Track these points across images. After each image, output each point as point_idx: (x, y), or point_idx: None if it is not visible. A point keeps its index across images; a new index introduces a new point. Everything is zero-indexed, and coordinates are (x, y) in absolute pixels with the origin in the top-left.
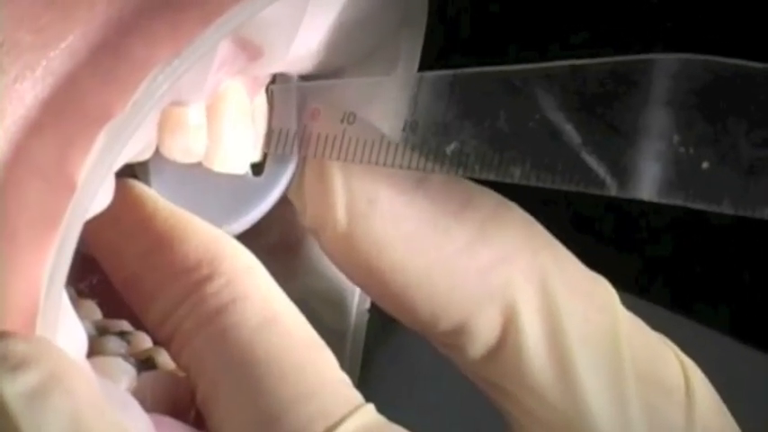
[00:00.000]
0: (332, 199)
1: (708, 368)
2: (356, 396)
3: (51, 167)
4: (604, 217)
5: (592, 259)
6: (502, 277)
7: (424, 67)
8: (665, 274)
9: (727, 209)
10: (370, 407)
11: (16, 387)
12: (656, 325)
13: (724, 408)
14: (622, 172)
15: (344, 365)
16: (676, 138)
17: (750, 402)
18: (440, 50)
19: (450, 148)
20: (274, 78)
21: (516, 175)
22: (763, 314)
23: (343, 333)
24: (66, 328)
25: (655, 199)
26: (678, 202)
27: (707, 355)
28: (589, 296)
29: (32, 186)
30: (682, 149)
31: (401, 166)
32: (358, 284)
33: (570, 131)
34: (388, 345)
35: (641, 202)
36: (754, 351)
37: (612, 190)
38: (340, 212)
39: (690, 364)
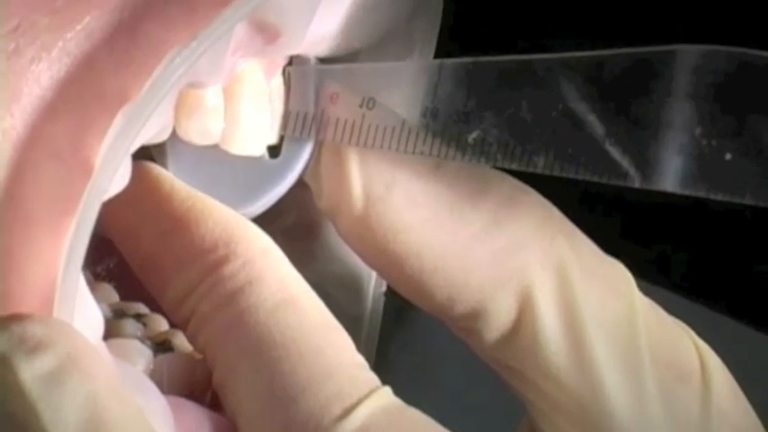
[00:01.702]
0: (348, 182)
1: (724, 355)
2: (373, 378)
3: (67, 149)
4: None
5: (608, 245)
6: (518, 262)
7: (439, 52)
8: (680, 261)
9: (749, 200)
10: (387, 389)
11: (34, 370)
12: (671, 311)
13: (740, 393)
14: (645, 164)
15: (360, 349)
16: (699, 130)
17: (766, 389)
18: (456, 35)
19: (473, 136)
20: (291, 60)
21: (539, 165)
22: None
23: (359, 316)
24: (82, 311)
25: (678, 191)
26: (701, 193)
27: (722, 342)
28: (605, 281)
29: (49, 168)
30: (704, 141)
31: (422, 153)
32: (374, 268)
33: (593, 122)
34: (403, 328)
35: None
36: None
37: (636, 182)
38: (356, 196)
39: (706, 349)
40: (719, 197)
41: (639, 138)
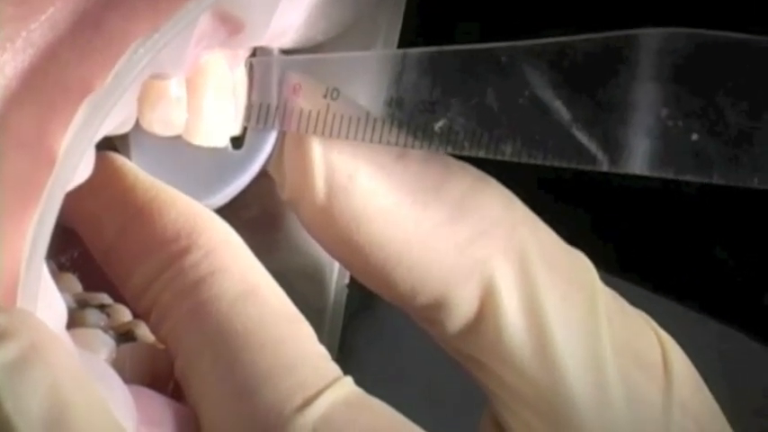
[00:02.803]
0: (311, 172)
1: (685, 346)
2: (334, 369)
3: (31, 139)
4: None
5: (570, 237)
6: (480, 252)
7: (403, 42)
8: (639, 253)
9: (717, 180)
10: (348, 379)
11: None
12: (632, 303)
13: (702, 383)
14: (613, 147)
15: (323, 340)
16: (665, 111)
17: (727, 380)
18: (419, 25)
19: (439, 125)
20: (254, 52)
21: (507, 153)
22: (739, 291)
23: (322, 308)
24: (46, 301)
25: (646, 173)
26: (669, 175)
27: (684, 333)
28: (568, 272)
29: (12, 158)
30: (670, 123)
31: (388, 143)
32: (337, 258)
33: (559, 108)
34: (366, 319)
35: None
36: (731, 330)
37: (604, 165)
38: (319, 186)
39: (668, 339)
40: (687, 178)
41: (606, 122)
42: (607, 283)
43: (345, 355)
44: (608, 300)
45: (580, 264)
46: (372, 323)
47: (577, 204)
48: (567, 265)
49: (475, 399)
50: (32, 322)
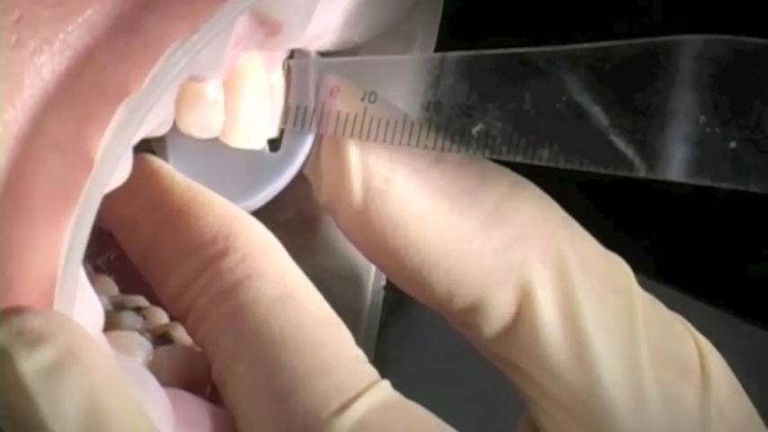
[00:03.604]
0: (348, 176)
1: (724, 351)
2: (372, 372)
3: (69, 142)
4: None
5: (608, 241)
6: (517, 256)
7: (440, 46)
8: (680, 258)
9: (754, 188)
10: (386, 383)
11: (33, 363)
12: (671, 307)
13: (740, 388)
14: (651, 153)
15: (360, 343)
16: (703, 118)
17: (762, 384)
18: (456, 29)
19: (476, 129)
20: (292, 54)
21: (544, 158)
22: None
23: (358, 310)
24: (82, 303)
25: (683, 180)
26: (705, 182)
27: (723, 338)
28: (605, 276)
29: (50, 161)
30: (708, 130)
31: (425, 147)
32: (373, 262)
33: (597, 113)
34: (403, 322)
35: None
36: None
37: (641, 171)
38: (356, 189)
39: (706, 343)
40: (724, 185)
41: (644, 128)
42: (644, 287)
43: (381, 358)
44: (645, 303)
45: (617, 267)
46: (408, 326)
47: (615, 209)
48: (604, 269)
49: (510, 401)
50: (69, 326)
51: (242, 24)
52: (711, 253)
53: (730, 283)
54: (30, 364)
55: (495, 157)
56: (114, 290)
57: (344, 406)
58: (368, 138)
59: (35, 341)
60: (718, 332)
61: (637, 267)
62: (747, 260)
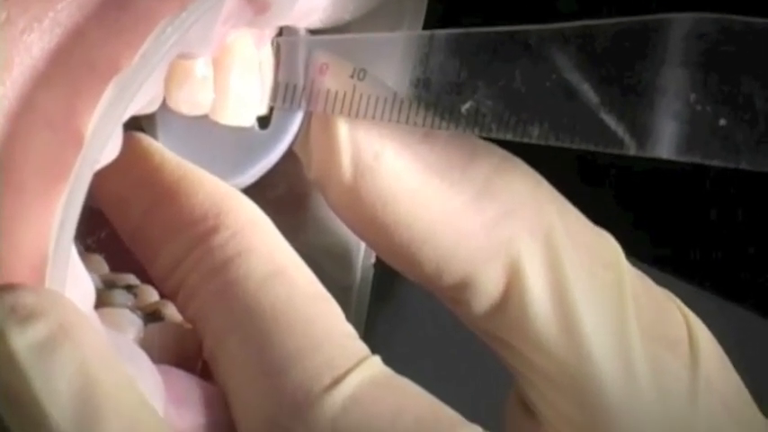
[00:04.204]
0: (337, 152)
1: (713, 332)
2: (362, 348)
3: (59, 119)
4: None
5: (596, 218)
6: (506, 232)
7: (429, 23)
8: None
9: (744, 165)
10: (377, 359)
11: (26, 339)
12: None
13: (727, 361)
14: (641, 131)
15: (350, 319)
16: (693, 96)
17: (753, 365)
18: (445, 6)
19: (466, 107)
20: (281, 31)
21: (534, 135)
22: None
23: (348, 287)
24: (74, 281)
25: (674, 157)
26: (696, 160)
27: (712, 319)
28: (594, 251)
29: (40, 138)
30: (699, 107)
31: (414, 124)
32: (363, 238)
33: (587, 91)
34: (392, 299)
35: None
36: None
37: (632, 149)
38: (345, 165)
39: (693, 317)
40: (715, 163)
41: (634, 105)
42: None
43: (371, 334)
44: (633, 278)
45: (606, 243)
46: (398, 302)
47: (603, 186)
48: (593, 245)
49: (500, 377)
50: (61, 302)
51: (231, 1)
52: (697, 232)
53: (723, 268)
54: (22, 340)
55: (485, 134)
56: (105, 268)
57: (336, 381)
58: (357, 115)
59: (27, 317)
60: (702, 313)
61: (624, 246)
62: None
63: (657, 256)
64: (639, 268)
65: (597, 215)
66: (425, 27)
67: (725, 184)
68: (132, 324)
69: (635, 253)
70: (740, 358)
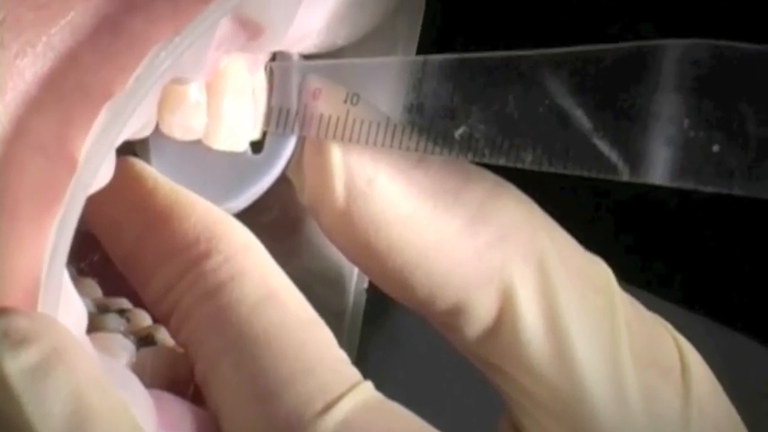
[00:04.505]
0: (330, 177)
1: (705, 355)
2: (355, 373)
3: (52, 144)
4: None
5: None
6: (499, 257)
7: (422, 49)
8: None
9: (737, 191)
10: (369, 384)
11: (19, 363)
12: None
13: (719, 387)
14: (634, 157)
15: (342, 345)
16: (686, 122)
17: (744, 389)
18: (438, 32)
19: (459, 132)
20: (274, 56)
21: (527, 161)
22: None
23: (340, 312)
24: (66, 305)
25: (667, 183)
26: (689, 185)
27: (704, 343)
28: (586, 276)
29: (33, 162)
30: (692, 133)
31: (407, 149)
32: (356, 263)
33: (580, 117)
34: (385, 324)
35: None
36: (742, 337)
37: (625, 175)
38: (338, 190)
39: (686, 344)
40: (708, 189)
41: (627, 131)
42: (625, 289)
43: (363, 359)
44: (626, 304)
45: (598, 267)
46: (390, 328)
47: (595, 212)
48: (585, 270)
49: (491, 403)
50: (54, 326)
51: (224, 26)
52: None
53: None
54: (15, 364)
55: (477, 159)
56: (97, 292)
57: (328, 406)
58: (350, 140)
59: (20, 341)
60: (692, 336)
61: (616, 271)
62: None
63: (648, 279)
64: (629, 291)
65: (589, 240)
66: (419, 52)
67: (716, 207)
68: (125, 349)
69: (626, 277)
70: (730, 380)
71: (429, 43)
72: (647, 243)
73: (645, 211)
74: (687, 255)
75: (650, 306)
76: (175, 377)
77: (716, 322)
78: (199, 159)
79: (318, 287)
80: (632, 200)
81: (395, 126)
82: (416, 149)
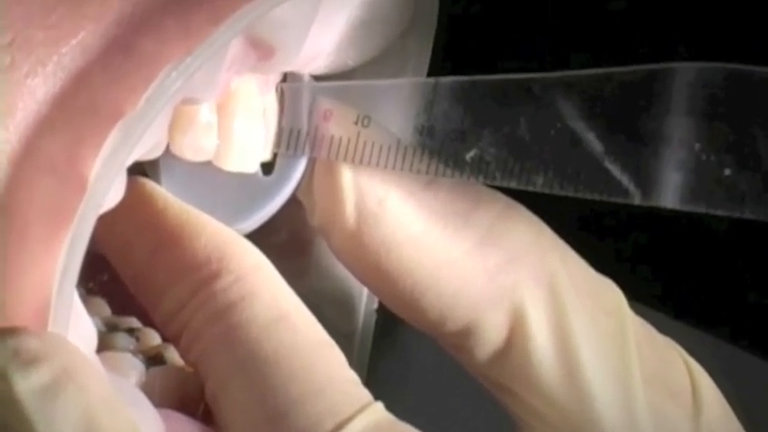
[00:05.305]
0: (341, 198)
1: (716, 377)
2: (365, 394)
3: (62, 164)
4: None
5: (599, 265)
6: (510, 279)
7: (433, 70)
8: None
9: (749, 215)
10: (379, 405)
11: (29, 383)
12: (662, 332)
13: (729, 410)
14: (645, 180)
15: (352, 365)
16: (698, 145)
17: (755, 411)
18: (448, 53)
19: (470, 154)
20: (285, 77)
21: (538, 184)
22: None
23: (351, 333)
24: (76, 325)
25: (678, 207)
26: (700, 209)
27: (714, 363)
28: (597, 298)
29: (43, 183)
30: (703, 157)
31: (418, 172)
32: (365, 284)
33: (592, 140)
34: (395, 345)
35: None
36: (758, 360)
37: (636, 199)
38: (349, 212)
39: (697, 367)
40: (719, 213)
41: (639, 154)
42: (635, 311)
43: (373, 380)
44: (637, 327)
45: (609, 290)
46: (400, 349)
47: (606, 235)
48: (595, 291)
49: (501, 424)
50: (65, 346)
51: (236, 47)
52: (705, 279)
53: (724, 311)
54: (26, 384)
55: (488, 182)
56: (107, 311)
57: (338, 427)
58: (361, 162)
59: (31, 361)
60: (709, 357)
61: (627, 292)
62: (744, 289)
63: (657, 297)
64: (641, 312)
65: (599, 262)
66: (429, 74)
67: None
68: (134, 368)
69: (636, 297)
70: (741, 403)
71: (440, 64)
72: (658, 262)
73: (658, 233)
74: (696, 274)
75: (661, 327)
76: (185, 396)
77: (729, 343)
78: (209, 180)
79: (328, 308)
80: (641, 221)
81: (405, 148)
82: (427, 172)
